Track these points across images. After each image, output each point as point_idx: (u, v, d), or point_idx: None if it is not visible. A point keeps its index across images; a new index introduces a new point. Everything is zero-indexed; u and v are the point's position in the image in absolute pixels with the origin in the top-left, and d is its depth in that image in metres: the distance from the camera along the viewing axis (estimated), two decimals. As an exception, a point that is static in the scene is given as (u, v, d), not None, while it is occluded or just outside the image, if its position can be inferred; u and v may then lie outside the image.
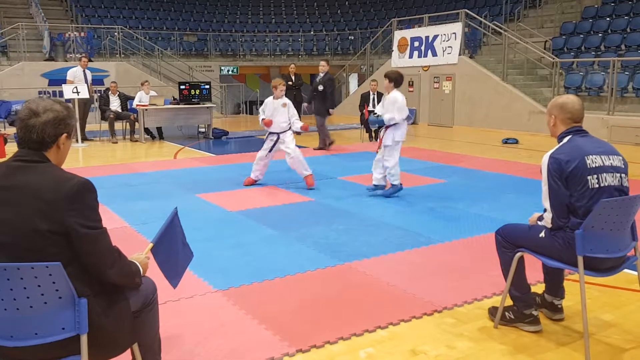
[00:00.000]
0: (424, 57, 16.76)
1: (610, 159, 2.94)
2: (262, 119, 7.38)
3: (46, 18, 18.82)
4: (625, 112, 12.47)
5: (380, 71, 18.55)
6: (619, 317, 3.43)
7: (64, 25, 19.24)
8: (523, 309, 3.23)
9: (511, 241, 3.22)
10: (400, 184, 6.73)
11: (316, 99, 11.20)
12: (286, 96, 7.62)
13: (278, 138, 7.36)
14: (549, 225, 2.99)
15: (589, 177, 2.87)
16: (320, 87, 10.95)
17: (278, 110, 7.32)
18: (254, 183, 7.59)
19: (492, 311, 3.40)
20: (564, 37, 16.06)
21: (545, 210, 3.02)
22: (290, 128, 7.41)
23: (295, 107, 7.73)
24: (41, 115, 2.11)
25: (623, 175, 2.96)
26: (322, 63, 11.18)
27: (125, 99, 13.12)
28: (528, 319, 3.23)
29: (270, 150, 7.40)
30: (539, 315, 3.25)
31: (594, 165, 2.88)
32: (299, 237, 5.15)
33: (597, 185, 2.87)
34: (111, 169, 8.96)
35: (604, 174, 2.89)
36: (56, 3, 21.84)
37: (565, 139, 3.01)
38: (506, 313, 3.30)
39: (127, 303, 2.23)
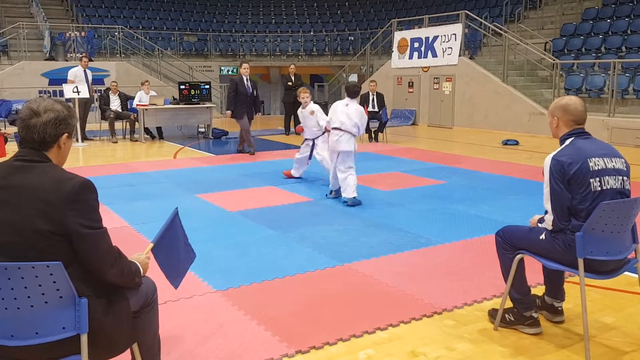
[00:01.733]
0: (424, 57, 16.76)
1: (612, 162, 2.93)
2: (296, 126, 8.01)
3: (47, 17, 18.83)
4: (625, 114, 12.47)
5: (380, 72, 18.57)
6: (620, 320, 3.43)
7: (65, 25, 19.24)
8: (523, 311, 3.22)
9: (511, 243, 3.21)
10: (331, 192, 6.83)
11: (247, 105, 10.35)
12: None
13: (313, 143, 7.72)
14: (550, 228, 2.98)
15: (591, 180, 2.86)
16: (254, 92, 10.41)
17: (307, 118, 7.70)
18: (292, 177, 7.99)
19: (492, 313, 3.40)
20: (564, 38, 16.06)
21: (546, 212, 3.01)
22: (323, 133, 7.60)
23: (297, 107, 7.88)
24: (42, 115, 2.11)
25: (625, 178, 2.96)
26: (245, 65, 10.29)
27: (125, 99, 13.12)
28: (528, 321, 3.22)
29: (309, 157, 7.81)
30: (539, 318, 3.25)
31: (596, 168, 2.88)
32: (298, 237, 5.15)
33: (599, 188, 2.87)
34: (111, 168, 8.95)
35: (607, 177, 2.89)
36: (57, 3, 21.84)
37: (568, 141, 3.00)
38: (506, 315, 3.29)
39: (127, 303, 2.22)
